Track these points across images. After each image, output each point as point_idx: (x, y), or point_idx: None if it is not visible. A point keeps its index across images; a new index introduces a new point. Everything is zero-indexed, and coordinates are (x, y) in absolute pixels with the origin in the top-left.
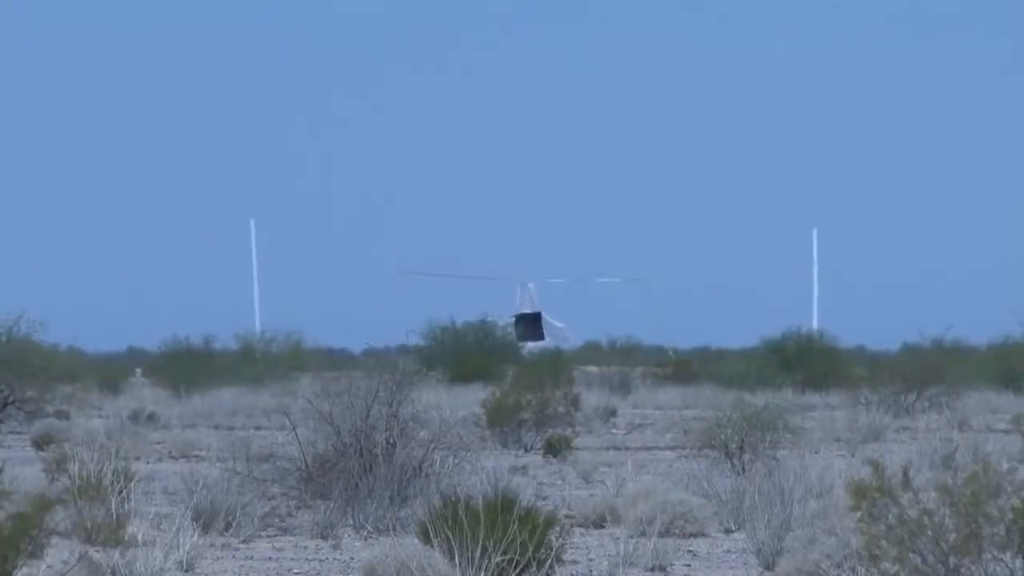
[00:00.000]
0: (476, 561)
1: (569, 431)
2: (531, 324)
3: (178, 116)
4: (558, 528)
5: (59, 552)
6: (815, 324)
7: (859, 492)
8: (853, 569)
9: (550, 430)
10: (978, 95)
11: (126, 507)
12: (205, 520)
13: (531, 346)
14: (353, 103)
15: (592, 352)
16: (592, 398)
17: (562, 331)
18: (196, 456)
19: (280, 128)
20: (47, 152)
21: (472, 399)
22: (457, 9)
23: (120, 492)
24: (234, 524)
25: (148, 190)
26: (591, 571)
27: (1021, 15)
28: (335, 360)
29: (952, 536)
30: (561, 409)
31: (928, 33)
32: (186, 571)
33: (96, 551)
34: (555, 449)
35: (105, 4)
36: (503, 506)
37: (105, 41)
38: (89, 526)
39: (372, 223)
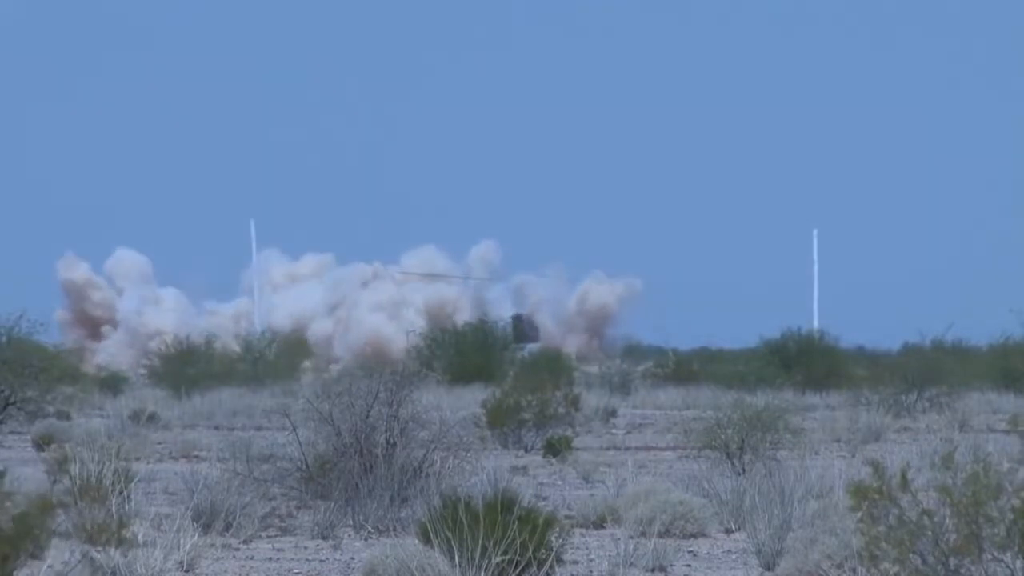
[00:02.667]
0: (476, 561)
1: (569, 431)
2: (530, 325)
3: (178, 115)
4: (558, 528)
5: (59, 552)
6: (815, 324)
7: (859, 493)
8: (853, 570)
9: (550, 430)
10: (978, 94)
11: (127, 507)
12: (205, 520)
13: (530, 347)
14: (353, 103)
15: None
16: (592, 398)
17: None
18: (197, 456)
19: (280, 128)
20: (47, 152)
21: (472, 399)
22: (455, 9)
23: (120, 492)
24: (234, 524)
25: (148, 190)
26: (591, 571)
27: (1020, 14)
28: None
29: (952, 537)
30: (561, 409)
31: (928, 33)
32: (186, 571)
33: (97, 551)
34: (555, 449)
35: (105, 3)
36: (503, 506)
37: (106, 42)
38: (90, 527)
39: (372, 223)
